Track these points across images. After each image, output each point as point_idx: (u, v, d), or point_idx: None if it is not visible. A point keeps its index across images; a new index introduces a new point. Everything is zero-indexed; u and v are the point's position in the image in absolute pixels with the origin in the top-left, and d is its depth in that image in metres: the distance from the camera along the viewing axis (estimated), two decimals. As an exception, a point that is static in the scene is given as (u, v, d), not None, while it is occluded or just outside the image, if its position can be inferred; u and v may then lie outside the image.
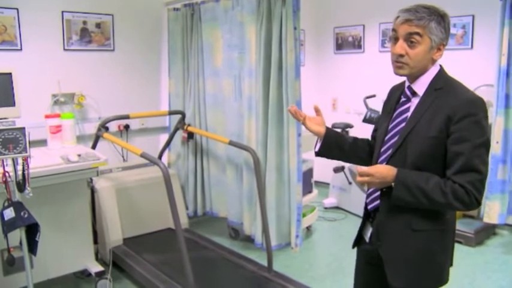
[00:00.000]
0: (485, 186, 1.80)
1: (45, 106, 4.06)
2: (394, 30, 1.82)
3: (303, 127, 3.55)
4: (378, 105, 4.83)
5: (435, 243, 1.84)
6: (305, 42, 6.14)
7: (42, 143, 3.51)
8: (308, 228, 4.77)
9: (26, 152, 2.44)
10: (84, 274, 3.64)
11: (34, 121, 3.54)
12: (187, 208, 4.61)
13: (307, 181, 4.57)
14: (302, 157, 3.65)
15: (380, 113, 4.74)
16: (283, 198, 3.72)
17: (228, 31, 3.98)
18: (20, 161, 2.49)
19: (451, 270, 1.95)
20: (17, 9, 3.89)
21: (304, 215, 4.17)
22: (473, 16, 4.69)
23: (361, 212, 2.12)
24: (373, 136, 2.16)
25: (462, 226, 4.38)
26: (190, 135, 4.45)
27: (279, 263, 3.87)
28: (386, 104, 2.06)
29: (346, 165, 5.22)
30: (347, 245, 4.31)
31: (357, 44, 5.80)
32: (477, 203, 1.73)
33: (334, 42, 6.04)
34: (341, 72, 6.01)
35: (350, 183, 5.32)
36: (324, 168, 5.49)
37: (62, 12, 4.15)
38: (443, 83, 1.81)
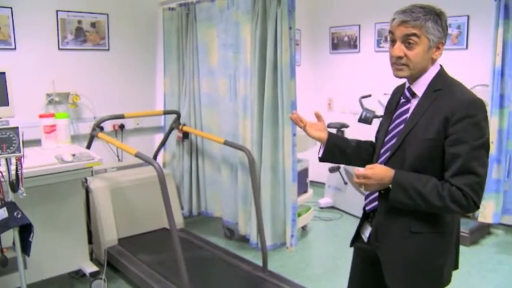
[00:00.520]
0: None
1: (39, 106, 4.04)
2: (391, 32, 1.81)
3: (298, 127, 3.57)
4: (373, 105, 4.85)
5: (434, 246, 1.83)
6: (301, 42, 6.14)
7: (37, 142, 3.49)
8: (303, 228, 4.76)
9: (20, 152, 2.42)
10: (79, 274, 3.62)
11: (28, 121, 3.52)
12: (182, 208, 4.60)
13: (303, 181, 4.57)
14: (297, 157, 3.65)
15: (375, 113, 4.73)
16: (278, 198, 3.72)
17: (223, 31, 3.97)
18: (13, 161, 2.47)
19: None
20: (11, 8, 3.87)
21: (299, 215, 4.17)
22: (468, 16, 4.71)
23: (356, 212, 2.13)
24: (376, 137, 2.15)
25: (457, 226, 4.38)
26: (186, 135, 4.44)
27: (274, 262, 3.86)
28: (388, 104, 2.05)
29: (342, 165, 5.22)
30: (342, 245, 4.35)
31: (352, 44, 5.80)
32: (475, 206, 1.71)
33: (330, 42, 6.04)
34: (337, 72, 6.02)
35: (345, 183, 5.32)
36: (319, 168, 5.48)
37: (57, 11, 4.13)
38: (442, 84, 1.79)
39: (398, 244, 1.85)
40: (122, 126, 4.59)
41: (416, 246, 1.82)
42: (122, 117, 4.02)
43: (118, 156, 4.61)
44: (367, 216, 2.03)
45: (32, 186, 2.81)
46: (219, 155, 4.22)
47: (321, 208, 5.53)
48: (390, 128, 1.92)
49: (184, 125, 4.39)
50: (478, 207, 1.73)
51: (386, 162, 1.86)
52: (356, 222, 2.11)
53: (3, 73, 2.83)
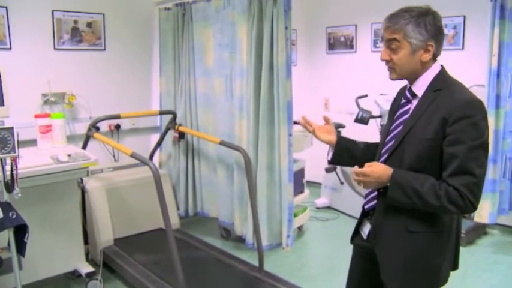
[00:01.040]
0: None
1: (35, 106, 4.03)
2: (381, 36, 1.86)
3: (294, 126, 3.57)
4: (369, 105, 4.85)
5: (431, 246, 1.83)
6: (297, 42, 6.14)
7: (32, 143, 3.48)
8: (300, 228, 4.76)
9: (15, 152, 2.42)
10: (75, 275, 3.60)
11: (24, 121, 3.51)
12: (178, 208, 4.59)
13: (299, 181, 4.56)
14: (293, 157, 3.65)
15: (372, 113, 4.74)
16: (275, 198, 3.72)
17: (219, 31, 3.97)
18: (8, 161, 2.47)
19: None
20: (6, 7, 3.86)
21: (295, 215, 4.16)
22: (464, 17, 4.71)
23: (353, 212, 2.13)
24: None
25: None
26: (182, 135, 4.44)
27: (270, 263, 3.86)
28: (392, 105, 2.07)
29: (338, 165, 5.23)
30: (339, 245, 4.36)
31: (349, 44, 5.80)
32: (472, 207, 1.71)
33: (326, 42, 6.04)
34: (333, 72, 6.01)
35: (342, 183, 5.32)
36: (315, 168, 5.50)
37: (53, 11, 4.12)
38: (442, 84, 1.80)
39: (396, 243, 1.86)
40: (117, 127, 4.58)
41: (414, 245, 1.83)
42: (117, 117, 4.01)
43: (114, 157, 4.60)
44: (366, 214, 2.05)
45: (27, 187, 2.81)
46: (215, 155, 4.22)
47: (318, 208, 5.53)
48: (391, 128, 1.93)
49: (180, 125, 4.39)
50: (475, 208, 1.72)
51: (385, 162, 1.88)
52: (353, 222, 2.11)
53: (-1, 73, 2.81)
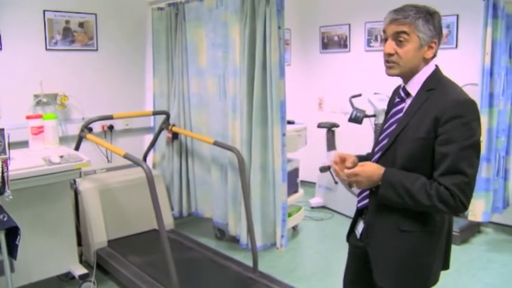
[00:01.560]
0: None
1: (27, 107, 3.99)
2: (384, 31, 1.84)
3: (288, 126, 3.57)
4: (363, 104, 4.85)
5: (422, 245, 1.83)
6: (291, 41, 6.13)
7: (24, 144, 3.46)
8: (294, 228, 4.76)
9: (5, 154, 2.40)
10: (68, 277, 3.58)
11: (15, 122, 3.49)
12: (172, 209, 4.58)
13: (293, 181, 4.56)
14: (287, 157, 3.65)
15: (365, 112, 4.74)
16: (268, 198, 3.71)
17: (212, 30, 3.96)
18: (-2, 163, 2.45)
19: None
20: (-3, 8, 3.83)
21: (290, 215, 4.16)
22: (457, 16, 4.72)
23: (347, 212, 2.13)
24: None
25: (447, 224, 4.40)
26: (175, 135, 4.42)
27: (264, 263, 3.85)
28: (388, 104, 2.07)
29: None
30: (333, 245, 4.36)
31: (342, 43, 5.80)
32: (463, 207, 1.71)
33: (320, 42, 6.04)
34: (327, 72, 6.01)
35: (336, 182, 5.31)
36: (310, 167, 5.49)
37: (44, 11, 4.09)
38: (436, 84, 1.80)
39: (387, 242, 1.87)
40: (111, 127, 4.55)
41: (405, 245, 1.83)
42: (110, 118, 3.98)
43: (107, 157, 4.58)
44: (361, 213, 2.05)
45: (19, 189, 2.79)
46: (208, 156, 4.20)
47: (312, 208, 5.53)
48: (385, 127, 1.94)
49: (173, 125, 4.37)
50: (466, 208, 1.72)
51: (378, 160, 1.88)
52: (347, 222, 2.11)
53: (-11, 74, 2.80)
